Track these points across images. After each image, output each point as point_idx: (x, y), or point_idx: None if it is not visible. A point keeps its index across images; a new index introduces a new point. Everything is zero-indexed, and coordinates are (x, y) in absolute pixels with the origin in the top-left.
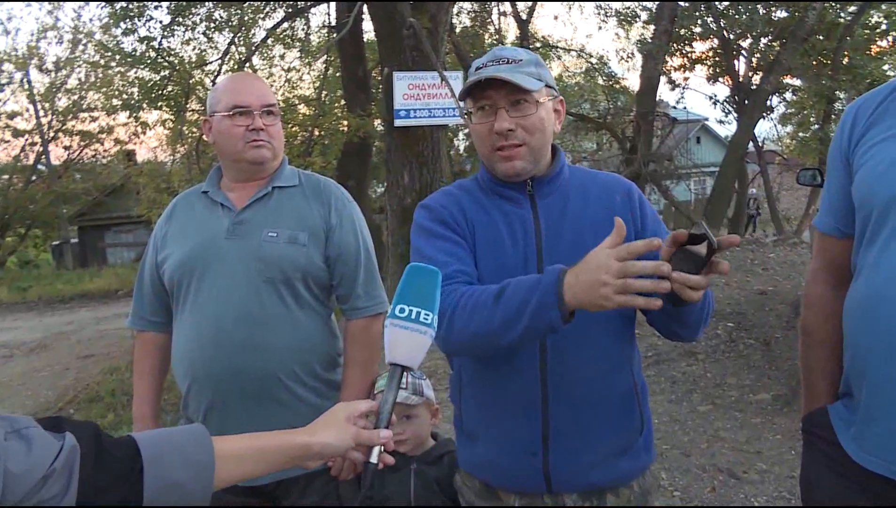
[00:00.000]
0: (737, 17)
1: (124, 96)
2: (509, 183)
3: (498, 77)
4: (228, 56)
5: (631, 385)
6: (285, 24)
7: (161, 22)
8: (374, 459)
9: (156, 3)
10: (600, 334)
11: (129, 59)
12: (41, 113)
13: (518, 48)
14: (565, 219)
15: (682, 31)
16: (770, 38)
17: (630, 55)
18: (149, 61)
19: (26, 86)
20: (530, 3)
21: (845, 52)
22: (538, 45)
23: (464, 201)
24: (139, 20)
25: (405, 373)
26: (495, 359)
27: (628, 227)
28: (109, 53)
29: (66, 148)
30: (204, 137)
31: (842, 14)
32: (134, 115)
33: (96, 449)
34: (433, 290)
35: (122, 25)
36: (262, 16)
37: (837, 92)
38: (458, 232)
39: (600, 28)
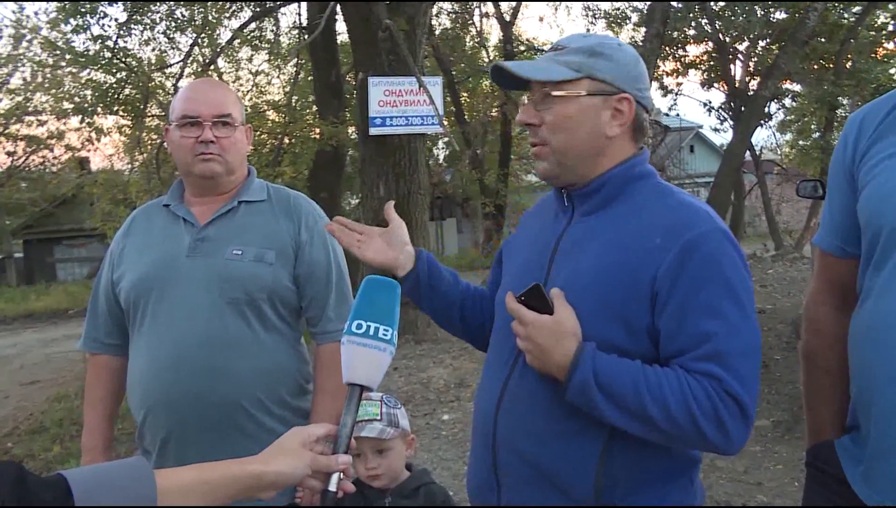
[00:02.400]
0: (733, 18)
1: (76, 99)
2: (555, 191)
3: (501, 66)
4: (191, 58)
5: (590, 476)
6: (253, 25)
7: (116, 20)
8: (332, 487)
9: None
10: (560, 394)
11: (81, 60)
12: None
13: (591, 34)
14: (585, 248)
15: (675, 34)
16: (768, 40)
17: None
18: (103, 62)
19: None
20: (514, 4)
21: (849, 56)
22: (522, 47)
23: (537, 208)
24: (91, 17)
25: (363, 393)
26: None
27: (644, 280)
28: (58, 52)
29: (9, 154)
30: (167, 146)
31: (845, 15)
32: (87, 119)
33: (19, 493)
34: (392, 304)
35: (73, 22)
36: (227, 15)
37: (840, 98)
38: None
39: (588, 30)
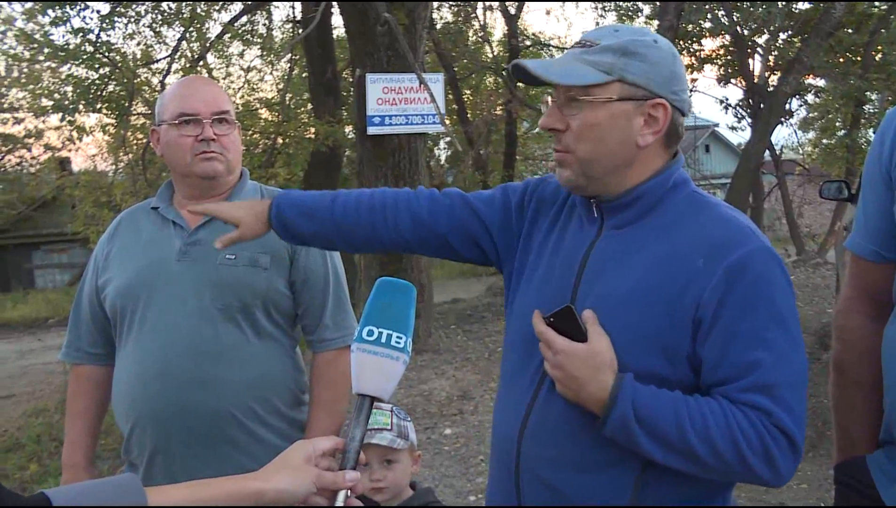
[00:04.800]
0: (752, 9)
1: (56, 96)
2: (582, 199)
3: (522, 66)
4: (179, 53)
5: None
6: (244, 18)
7: (98, 12)
8: (339, 504)
9: None
10: (592, 421)
11: (60, 54)
12: None
13: (622, 27)
14: (619, 267)
15: (690, 27)
16: (790, 33)
17: None
18: (85, 57)
19: None
20: None
21: (879, 47)
22: (528, 42)
23: (553, 207)
24: (71, 8)
25: (374, 404)
26: (503, 392)
27: (687, 304)
28: (36, 45)
29: None
30: (153, 148)
31: (876, 3)
32: (68, 118)
33: None
34: (406, 309)
35: (51, 13)
36: (217, 8)
37: (868, 93)
38: (500, 220)
39: (597, 24)
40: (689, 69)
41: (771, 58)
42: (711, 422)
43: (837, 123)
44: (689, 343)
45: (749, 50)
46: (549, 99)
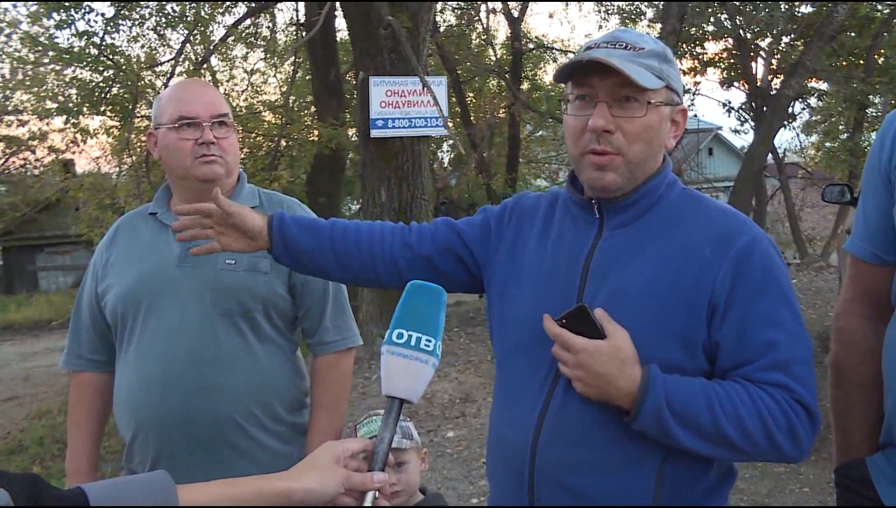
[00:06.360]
0: (755, 13)
1: (60, 98)
2: (579, 201)
3: (605, 62)
4: (183, 56)
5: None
6: (248, 21)
7: (103, 15)
8: (367, 505)
9: None
10: (611, 420)
11: (65, 57)
12: None
13: (644, 35)
14: (627, 264)
15: (693, 30)
16: (793, 36)
17: None
18: (89, 60)
19: None
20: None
21: (882, 51)
22: (531, 45)
23: (537, 215)
24: (76, 11)
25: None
26: (505, 396)
27: (702, 293)
28: (40, 48)
29: None
30: (151, 152)
31: (878, 7)
32: (72, 120)
33: (35, 506)
34: (436, 311)
35: (56, 16)
36: (221, 11)
37: (871, 96)
38: (478, 235)
39: (601, 27)
40: (693, 72)
41: (774, 61)
42: (740, 405)
43: (840, 127)
44: (705, 331)
45: (752, 53)
46: (573, 96)
